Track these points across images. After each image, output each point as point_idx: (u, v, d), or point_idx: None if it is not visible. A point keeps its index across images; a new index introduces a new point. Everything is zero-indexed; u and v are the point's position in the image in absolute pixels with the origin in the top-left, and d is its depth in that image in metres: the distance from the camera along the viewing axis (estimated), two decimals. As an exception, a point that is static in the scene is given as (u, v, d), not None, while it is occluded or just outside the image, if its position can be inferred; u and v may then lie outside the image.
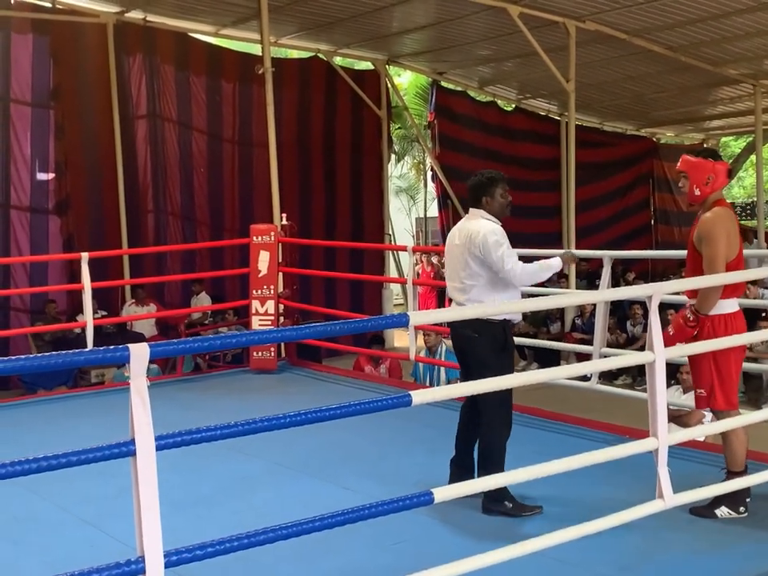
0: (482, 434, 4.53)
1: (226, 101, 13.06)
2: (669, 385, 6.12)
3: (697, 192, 4.34)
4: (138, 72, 12.17)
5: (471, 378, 4.22)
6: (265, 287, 8.53)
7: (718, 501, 4.17)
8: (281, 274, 8.76)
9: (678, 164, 4.43)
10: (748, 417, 4.34)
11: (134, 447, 2.42)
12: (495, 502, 4.28)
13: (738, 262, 4.31)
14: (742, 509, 4.18)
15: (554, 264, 4.56)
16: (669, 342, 4.03)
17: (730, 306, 4.29)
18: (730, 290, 4.25)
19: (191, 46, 12.83)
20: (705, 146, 21.50)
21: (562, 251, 4.65)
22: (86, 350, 2.53)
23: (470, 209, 4.62)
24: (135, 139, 12.21)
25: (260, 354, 8.43)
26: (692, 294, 4.37)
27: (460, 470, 4.53)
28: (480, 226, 4.46)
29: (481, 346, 4.46)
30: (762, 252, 13.02)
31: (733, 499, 4.17)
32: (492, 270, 4.42)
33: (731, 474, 4.23)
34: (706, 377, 4.27)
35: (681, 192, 4.48)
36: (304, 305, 9.78)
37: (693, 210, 4.56)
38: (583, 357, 7.29)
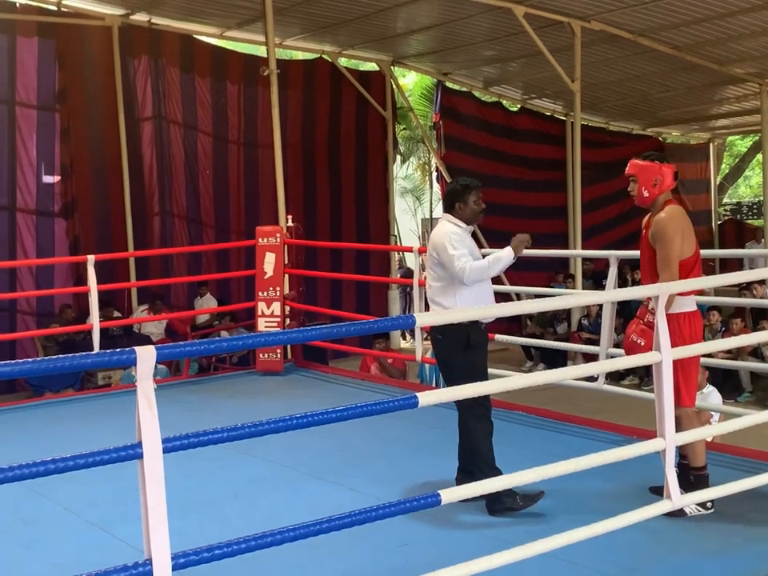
0: (461, 434, 4.59)
1: (231, 102, 13.08)
2: (676, 385, 6.11)
3: (645, 194, 4.44)
4: (144, 74, 12.20)
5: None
6: (271, 289, 8.53)
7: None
8: (287, 275, 8.76)
9: (627, 168, 4.53)
10: (756, 416, 4.32)
11: (140, 450, 2.42)
12: (496, 501, 4.27)
13: (695, 259, 4.39)
14: (708, 504, 4.22)
15: (504, 255, 4.56)
16: (645, 349, 4.11)
17: (691, 303, 4.38)
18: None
19: (196, 48, 12.85)
20: (711, 145, 21.53)
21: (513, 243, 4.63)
22: (94, 352, 2.54)
23: (443, 214, 4.72)
24: (141, 141, 12.23)
25: (266, 355, 8.43)
26: (647, 284, 4.42)
27: (463, 474, 4.55)
28: (440, 230, 4.58)
29: (444, 347, 4.55)
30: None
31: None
32: (449, 271, 4.50)
33: (694, 471, 4.31)
34: (693, 370, 4.37)
35: (630, 195, 4.58)
36: (310, 306, 9.77)
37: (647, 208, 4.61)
38: (590, 357, 7.27)
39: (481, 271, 4.46)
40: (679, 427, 4.14)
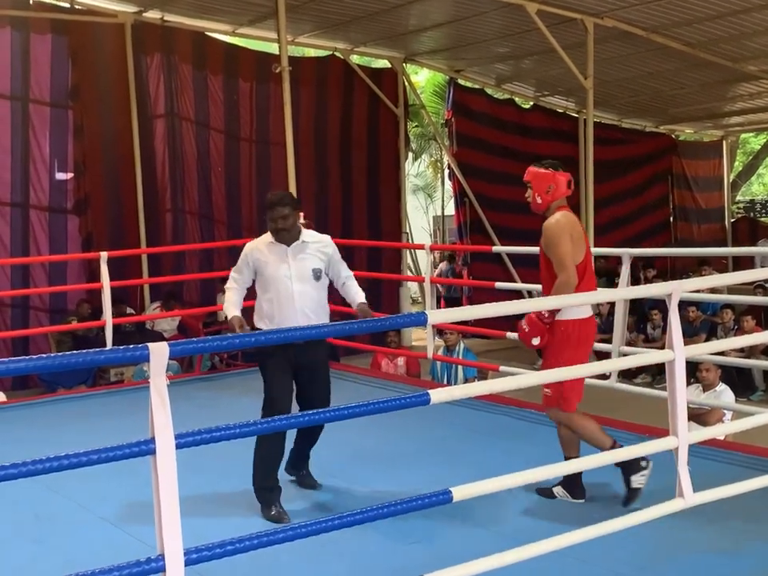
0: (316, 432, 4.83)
1: (243, 100, 13.08)
2: (688, 383, 6.09)
3: (539, 200, 4.56)
4: (156, 71, 12.21)
5: None
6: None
7: (558, 482, 4.51)
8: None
9: (525, 174, 4.66)
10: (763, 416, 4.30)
11: (153, 446, 2.43)
12: None
13: (584, 265, 4.49)
14: (579, 495, 4.47)
15: (228, 311, 4.76)
16: (523, 335, 4.45)
17: (583, 311, 4.45)
18: (581, 290, 4.42)
19: (209, 45, 12.86)
20: (724, 142, 21.42)
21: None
22: (107, 348, 2.55)
23: None
24: (153, 138, 12.26)
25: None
26: (547, 291, 4.55)
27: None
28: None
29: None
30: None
31: (570, 485, 4.46)
32: None
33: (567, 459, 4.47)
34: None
35: (527, 200, 4.66)
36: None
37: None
38: (602, 355, 7.25)
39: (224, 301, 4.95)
40: (574, 432, 4.47)
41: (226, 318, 4.76)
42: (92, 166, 11.69)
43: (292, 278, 4.66)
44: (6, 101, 10.96)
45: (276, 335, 3.01)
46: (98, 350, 2.44)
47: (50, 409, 7.48)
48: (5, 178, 11.02)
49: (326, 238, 4.92)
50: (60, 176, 11.58)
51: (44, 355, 2.37)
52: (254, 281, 4.87)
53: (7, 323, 10.99)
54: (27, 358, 2.33)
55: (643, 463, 4.25)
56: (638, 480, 4.28)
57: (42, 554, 4.07)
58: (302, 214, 9.27)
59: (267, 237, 4.78)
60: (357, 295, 4.92)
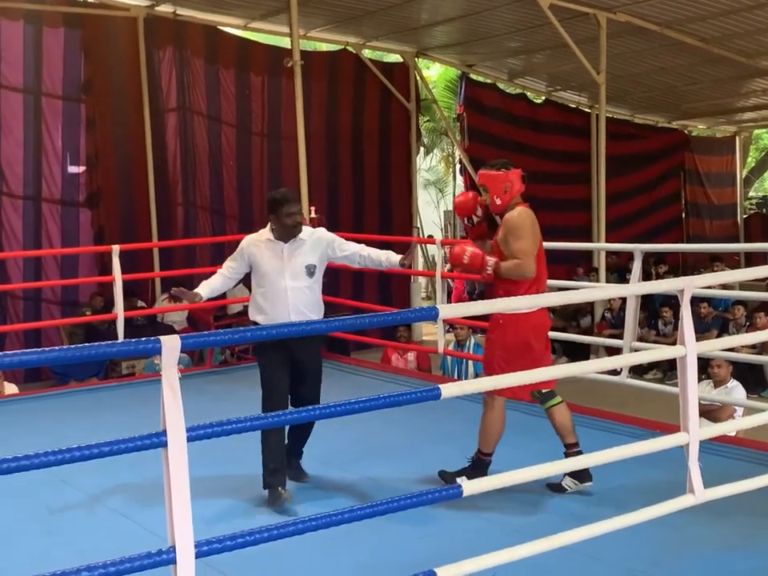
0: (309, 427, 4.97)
1: (255, 94, 13.10)
2: (699, 380, 6.08)
3: (498, 201, 4.62)
4: (168, 65, 12.23)
5: None
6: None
7: (460, 472, 4.63)
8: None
9: (477, 178, 4.78)
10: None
11: (165, 438, 2.43)
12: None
13: (539, 259, 4.55)
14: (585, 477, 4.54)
15: (202, 287, 5.00)
16: (456, 259, 4.65)
17: (525, 305, 4.45)
18: (531, 290, 4.52)
19: (221, 39, 12.88)
20: (737, 138, 21.32)
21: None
22: (119, 341, 2.55)
23: None
24: (165, 132, 12.28)
25: (288, 346, 8.44)
26: (504, 291, 4.57)
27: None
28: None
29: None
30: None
31: (473, 474, 4.50)
32: None
33: (479, 454, 4.68)
34: (495, 369, 4.54)
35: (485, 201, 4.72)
36: (332, 298, 9.77)
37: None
38: (613, 351, 7.24)
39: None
40: (483, 418, 4.66)
41: (238, 312, 4.85)
42: (104, 160, 11.73)
43: (285, 275, 4.74)
44: (19, 94, 11.00)
45: (287, 329, 3.01)
46: (110, 342, 2.45)
47: (62, 401, 7.51)
48: (17, 171, 11.07)
49: (319, 231, 5.01)
50: (72, 169, 11.62)
51: (57, 347, 2.38)
52: (247, 274, 4.98)
53: (19, 315, 11.05)
54: (40, 350, 2.34)
55: (587, 483, 4.51)
56: (571, 484, 4.51)
57: (54, 545, 4.09)
58: (313, 208, 9.33)
59: (266, 233, 4.85)
60: (389, 256, 4.93)
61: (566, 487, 4.56)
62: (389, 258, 4.92)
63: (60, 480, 4.80)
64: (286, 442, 4.89)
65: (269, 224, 4.84)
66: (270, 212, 4.77)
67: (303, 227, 4.88)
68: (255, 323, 4.79)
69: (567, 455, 4.54)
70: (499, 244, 4.61)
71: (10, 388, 8.32)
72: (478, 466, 4.67)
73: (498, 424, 4.67)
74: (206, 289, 4.99)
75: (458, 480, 4.53)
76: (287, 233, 4.74)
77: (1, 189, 10.93)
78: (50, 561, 3.94)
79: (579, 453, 4.51)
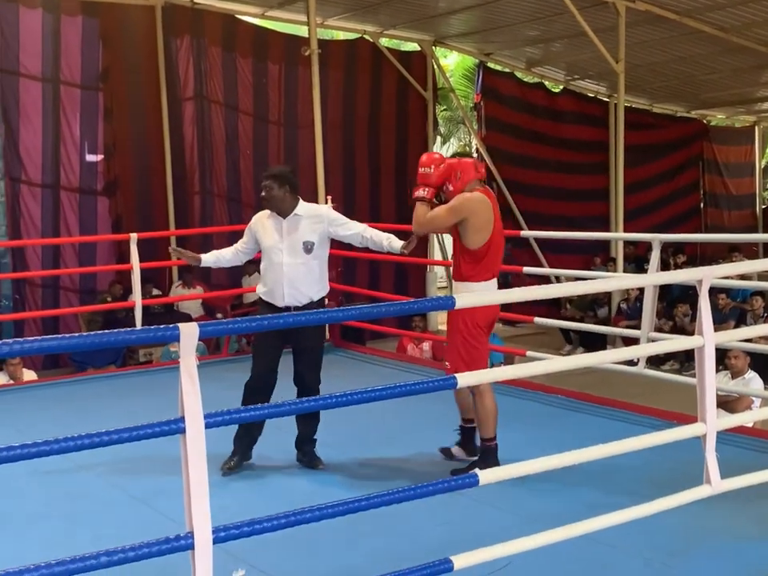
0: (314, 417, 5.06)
1: (272, 82, 13.09)
2: (717, 370, 6.06)
3: (450, 188, 4.76)
4: (186, 54, 12.24)
5: None
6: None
7: (473, 465, 4.58)
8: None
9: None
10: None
11: (183, 425, 2.45)
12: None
13: (486, 250, 4.68)
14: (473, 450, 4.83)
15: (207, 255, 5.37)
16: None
17: (482, 289, 4.67)
18: (481, 274, 4.68)
19: (238, 27, 12.87)
20: (756, 128, 21.17)
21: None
22: (138, 328, 2.57)
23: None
24: (182, 121, 12.30)
25: (305, 335, 8.45)
26: (457, 276, 4.79)
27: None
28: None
29: None
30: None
31: (486, 464, 4.47)
32: None
33: (483, 442, 4.73)
34: (453, 353, 4.74)
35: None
36: (348, 287, 9.80)
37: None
38: (630, 342, 7.21)
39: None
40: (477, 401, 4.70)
41: (254, 302, 4.94)
42: (122, 148, 11.77)
43: (283, 250, 4.91)
44: (38, 82, 11.04)
45: (304, 318, 3.01)
46: (129, 329, 2.47)
47: (80, 388, 7.56)
48: (36, 159, 11.12)
49: (323, 209, 5.19)
50: (90, 158, 11.66)
51: (77, 334, 2.39)
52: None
53: (38, 303, 11.12)
54: (60, 336, 2.36)
55: (474, 458, 4.74)
56: (459, 453, 4.84)
57: (72, 531, 4.13)
58: (329, 197, 9.33)
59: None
60: (391, 240, 5.04)
61: (455, 454, 4.88)
62: (390, 243, 5.02)
63: (79, 466, 4.84)
64: (296, 431, 5.03)
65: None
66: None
67: (306, 204, 5.04)
68: (260, 299, 5.07)
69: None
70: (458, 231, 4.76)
71: (29, 375, 8.39)
72: (488, 455, 4.71)
73: (491, 407, 4.73)
74: (211, 256, 5.36)
75: (452, 450, 4.85)
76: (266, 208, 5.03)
77: (20, 177, 10.99)
78: (70, 546, 3.97)
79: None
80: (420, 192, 4.80)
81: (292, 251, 4.89)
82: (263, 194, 5.00)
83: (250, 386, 4.99)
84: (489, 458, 4.67)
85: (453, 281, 4.93)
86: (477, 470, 4.32)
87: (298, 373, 5.01)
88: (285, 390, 4.88)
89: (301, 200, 5.04)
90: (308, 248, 4.90)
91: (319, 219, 4.98)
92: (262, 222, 5.05)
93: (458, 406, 4.92)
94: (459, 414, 4.97)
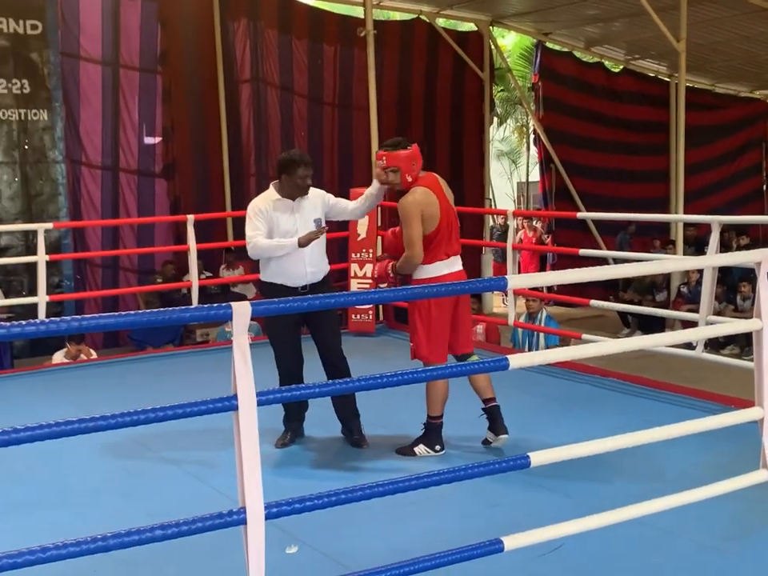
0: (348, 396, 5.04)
1: (327, 64, 13.12)
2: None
3: (409, 179, 4.74)
4: (243, 36, 12.32)
5: None
6: (363, 251, 8.58)
7: (417, 441, 4.79)
8: (379, 237, 8.79)
9: (386, 162, 4.75)
10: None
11: (236, 402, 2.48)
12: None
13: (436, 233, 4.68)
14: (437, 447, 4.77)
15: (288, 244, 4.91)
16: (372, 282, 4.87)
17: (435, 270, 4.67)
18: (430, 257, 4.67)
19: (294, 9, 12.91)
20: None
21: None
22: (192, 306, 2.61)
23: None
24: (239, 103, 12.40)
25: (358, 316, 8.50)
26: (393, 250, 4.87)
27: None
28: (254, 200, 5.09)
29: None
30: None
31: (429, 440, 4.77)
32: None
33: (429, 419, 4.78)
34: (415, 332, 4.75)
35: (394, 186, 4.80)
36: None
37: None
38: (689, 325, 7.10)
39: (263, 249, 4.95)
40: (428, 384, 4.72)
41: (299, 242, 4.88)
42: (179, 131, 11.90)
43: (299, 230, 4.96)
44: (98, 65, 11.21)
45: (356, 297, 3.04)
46: (183, 307, 2.51)
47: (139, 366, 7.69)
48: (96, 141, 11.30)
49: (318, 190, 5.20)
50: (148, 140, 11.82)
51: (133, 312, 2.44)
52: None
53: (98, 283, 11.34)
54: (117, 314, 2.40)
55: (437, 447, 4.76)
56: (422, 450, 4.75)
57: (128, 505, 4.20)
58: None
59: (272, 194, 5.03)
60: (368, 190, 5.13)
61: (418, 453, 4.77)
62: (370, 191, 5.11)
63: (136, 442, 4.94)
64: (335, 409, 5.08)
65: (271, 185, 5.06)
66: (282, 171, 4.96)
67: None
68: (272, 284, 4.99)
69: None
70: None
71: (89, 353, 8.57)
72: (431, 431, 4.78)
73: (442, 387, 4.74)
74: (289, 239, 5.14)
75: (415, 449, 4.76)
76: (296, 192, 4.97)
77: (80, 159, 11.18)
78: (126, 520, 4.03)
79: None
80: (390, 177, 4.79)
81: (306, 230, 4.97)
82: (309, 183, 5.00)
83: (284, 374, 4.95)
84: (432, 434, 4.77)
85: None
86: (498, 438, 4.70)
87: (319, 341, 5.06)
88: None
89: None
90: (318, 225, 5.02)
91: (319, 196, 5.12)
92: (274, 207, 5.00)
93: (474, 389, 4.87)
94: (479, 397, 4.91)
